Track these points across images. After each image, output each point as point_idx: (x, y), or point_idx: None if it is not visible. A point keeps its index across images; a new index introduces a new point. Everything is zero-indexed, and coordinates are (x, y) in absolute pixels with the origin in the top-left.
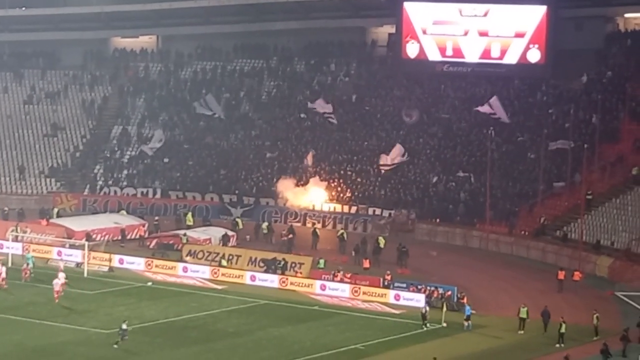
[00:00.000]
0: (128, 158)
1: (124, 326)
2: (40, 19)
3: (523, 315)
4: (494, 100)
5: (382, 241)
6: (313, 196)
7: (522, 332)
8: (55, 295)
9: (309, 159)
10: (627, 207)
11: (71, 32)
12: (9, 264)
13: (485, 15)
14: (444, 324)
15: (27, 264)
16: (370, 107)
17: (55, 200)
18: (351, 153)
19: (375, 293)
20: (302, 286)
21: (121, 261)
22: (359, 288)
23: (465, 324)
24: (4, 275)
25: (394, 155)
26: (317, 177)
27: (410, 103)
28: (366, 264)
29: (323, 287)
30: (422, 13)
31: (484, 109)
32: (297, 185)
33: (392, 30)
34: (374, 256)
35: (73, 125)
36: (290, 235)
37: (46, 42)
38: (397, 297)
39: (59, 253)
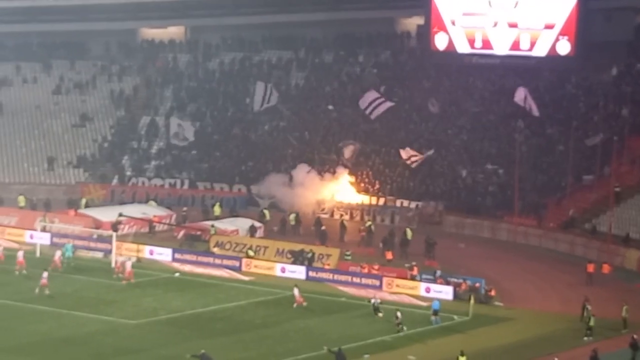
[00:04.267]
0: (156, 149)
1: None
2: (69, 9)
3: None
4: (524, 91)
5: (409, 233)
6: (339, 188)
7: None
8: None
9: (348, 152)
10: None
11: (100, 23)
12: (37, 254)
13: (515, 6)
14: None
15: (62, 254)
16: (399, 98)
17: (83, 190)
18: (379, 144)
19: (406, 285)
20: (328, 278)
21: (151, 252)
22: (392, 281)
23: (433, 318)
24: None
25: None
26: (344, 169)
27: (437, 95)
28: (389, 255)
29: (350, 279)
30: (451, 4)
31: (519, 96)
32: (320, 176)
33: (421, 21)
34: (401, 248)
35: (101, 116)
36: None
37: (75, 33)
38: (427, 290)
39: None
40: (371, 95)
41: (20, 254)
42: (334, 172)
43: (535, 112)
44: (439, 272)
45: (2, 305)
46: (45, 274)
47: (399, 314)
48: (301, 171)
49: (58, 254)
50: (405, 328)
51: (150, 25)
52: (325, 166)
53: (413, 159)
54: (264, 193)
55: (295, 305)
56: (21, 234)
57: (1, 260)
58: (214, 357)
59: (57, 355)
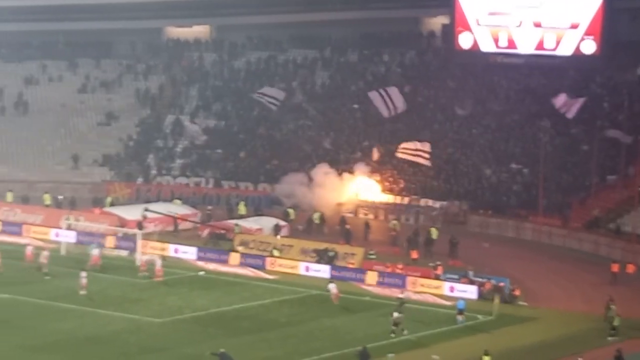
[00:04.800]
0: (181, 148)
1: None
2: (95, 8)
3: None
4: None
5: (434, 232)
6: (360, 187)
7: None
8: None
9: (375, 154)
10: None
11: (125, 22)
12: (63, 252)
13: (540, 6)
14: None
15: (95, 253)
16: (423, 98)
17: (108, 189)
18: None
19: (430, 285)
20: (352, 277)
21: (176, 250)
22: (416, 280)
23: (458, 317)
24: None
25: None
26: (365, 167)
27: (463, 94)
28: (414, 255)
29: (376, 278)
30: (476, 4)
31: (560, 101)
32: (339, 175)
33: (446, 21)
34: (426, 247)
35: (127, 115)
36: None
37: (101, 32)
38: (451, 289)
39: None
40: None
41: (45, 254)
42: (353, 172)
43: (572, 114)
44: (471, 273)
45: (28, 303)
46: (84, 274)
47: (395, 314)
48: (320, 171)
49: (96, 252)
50: (406, 332)
51: (175, 24)
52: (349, 165)
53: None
54: (283, 193)
55: (336, 302)
56: (46, 232)
57: (30, 259)
58: (234, 357)
59: (82, 353)
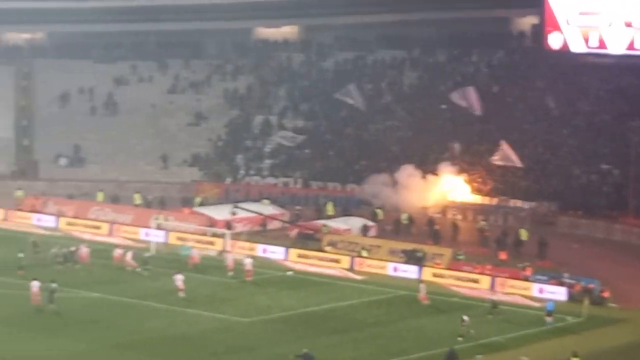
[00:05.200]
0: (270, 148)
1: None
2: (185, 8)
3: None
4: None
5: (523, 234)
6: (448, 188)
7: None
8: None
9: (455, 150)
10: None
11: (215, 22)
12: (152, 252)
13: (631, 6)
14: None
15: (194, 253)
16: (512, 98)
17: (197, 189)
18: (493, 143)
19: (519, 286)
20: (441, 277)
21: (265, 250)
22: (505, 281)
23: (548, 319)
24: (129, 259)
25: (502, 156)
26: (452, 168)
27: (552, 94)
28: (503, 255)
29: (461, 279)
30: (566, 4)
31: None
32: (423, 177)
33: (536, 20)
34: (515, 248)
35: (216, 115)
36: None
37: (190, 32)
38: (540, 291)
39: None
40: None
41: (129, 255)
42: (438, 174)
43: None
44: (566, 275)
45: (118, 302)
46: (179, 276)
47: (465, 317)
48: (405, 173)
49: (195, 252)
50: (472, 331)
51: (264, 25)
52: (436, 166)
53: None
54: (367, 193)
55: (424, 302)
56: (136, 231)
57: (118, 260)
58: (320, 357)
59: (172, 352)
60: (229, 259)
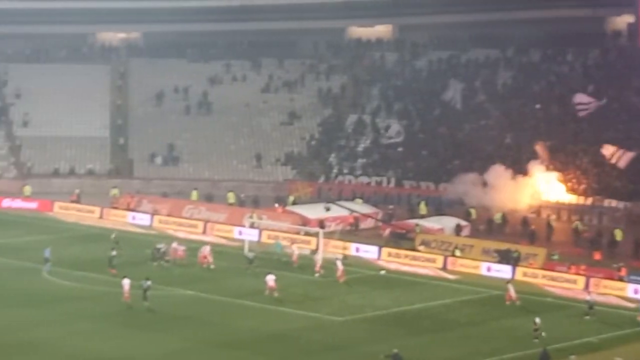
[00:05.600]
0: (363, 147)
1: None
2: (279, 8)
3: None
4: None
5: (618, 234)
6: (542, 188)
7: None
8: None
9: (541, 150)
10: None
11: (308, 22)
12: (246, 251)
13: None
14: None
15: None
16: (608, 97)
17: (290, 188)
18: (587, 143)
19: (614, 286)
20: (534, 277)
21: (357, 249)
22: (599, 281)
23: None
24: (206, 254)
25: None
26: (539, 167)
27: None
28: (597, 255)
29: (555, 279)
30: None
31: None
32: (513, 177)
33: (632, 19)
34: (609, 249)
35: (309, 114)
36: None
37: (284, 31)
38: (636, 291)
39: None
40: (580, 97)
41: (206, 249)
42: (528, 174)
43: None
44: None
45: (211, 300)
46: (271, 276)
47: (537, 319)
48: (494, 173)
49: (296, 250)
50: (544, 334)
51: (358, 24)
52: (528, 166)
53: (617, 155)
54: (456, 192)
55: (507, 302)
56: (230, 230)
57: (208, 261)
58: (413, 356)
59: (266, 350)
60: (318, 260)
